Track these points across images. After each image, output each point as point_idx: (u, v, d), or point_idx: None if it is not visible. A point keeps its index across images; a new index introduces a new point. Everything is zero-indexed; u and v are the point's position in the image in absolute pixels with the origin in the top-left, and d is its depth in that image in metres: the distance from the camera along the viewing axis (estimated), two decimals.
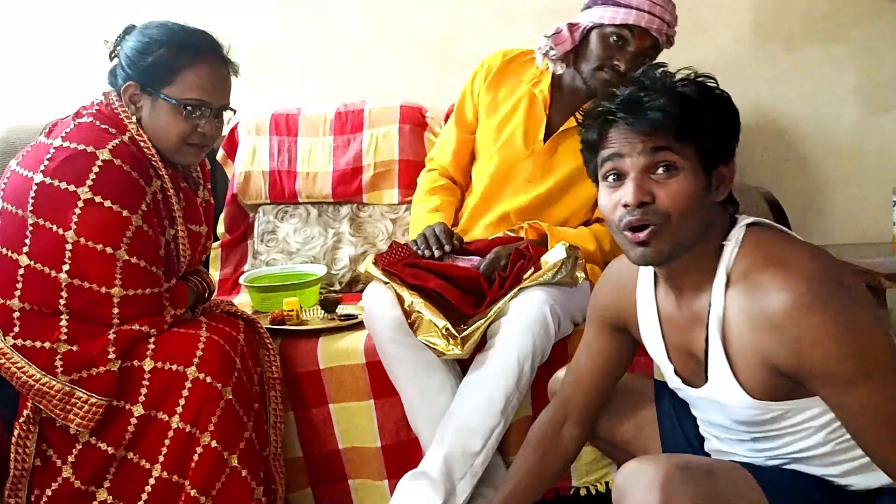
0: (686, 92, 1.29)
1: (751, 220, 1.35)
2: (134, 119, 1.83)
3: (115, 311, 1.75)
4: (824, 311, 1.21)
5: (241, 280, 2.51)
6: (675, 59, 2.83)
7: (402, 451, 2.07)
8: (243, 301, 2.42)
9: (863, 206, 2.95)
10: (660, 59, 2.67)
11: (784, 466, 1.40)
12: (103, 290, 1.74)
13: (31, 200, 1.73)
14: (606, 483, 2.08)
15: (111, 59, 1.89)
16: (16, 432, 1.73)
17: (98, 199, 1.72)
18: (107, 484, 1.75)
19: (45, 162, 1.74)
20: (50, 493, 1.74)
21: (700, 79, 1.34)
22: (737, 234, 1.32)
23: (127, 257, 1.74)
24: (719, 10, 2.89)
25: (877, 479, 1.33)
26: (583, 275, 2.03)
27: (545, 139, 2.26)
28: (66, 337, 1.73)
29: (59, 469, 1.75)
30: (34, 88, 2.99)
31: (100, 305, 1.74)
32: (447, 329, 1.91)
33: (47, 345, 1.73)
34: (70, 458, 1.74)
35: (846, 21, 2.88)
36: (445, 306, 1.99)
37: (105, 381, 1.73)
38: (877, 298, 2.47)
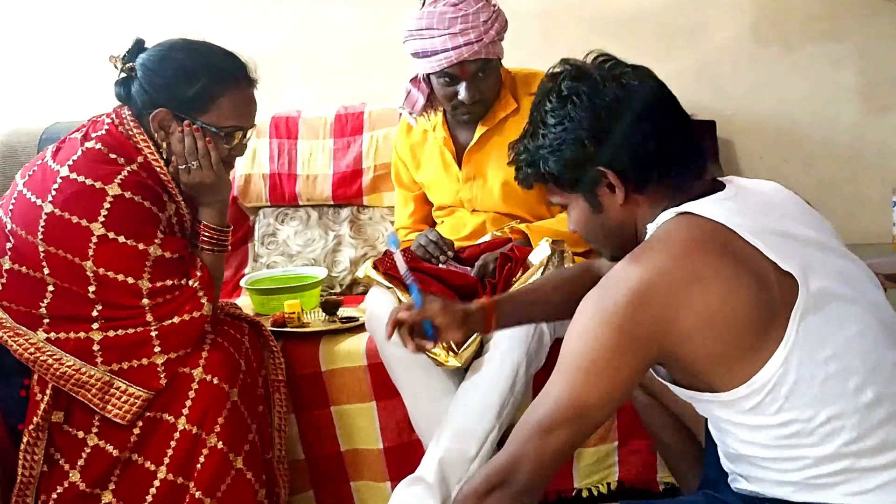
0: (532, 160, 1.40)
1: (684, 209, 1.31)
2: (151, 143, 1.81)
3: (149, 318, 1.76)
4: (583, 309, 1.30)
5: (241, 283, 2.51)
6: (674, 61, 2.90)
7: (404, 453, 2.08)
8: (244, 304, 2.42)
9: (862, 205, 2.95)
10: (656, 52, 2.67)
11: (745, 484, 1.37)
12: (133, 304, 1.76)
13: (41, 229, 1.73)
14: (608, 484, 2.08)
15: (121, 73, 1.83)
16: (25, 439, 1.73)
17: (112, 234, 1.72)
18: (112, 486, 1.75)
19: (53, 192, 1.73)
20: (55, 497, 1.75)
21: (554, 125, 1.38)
22: (660, 220, 1.34)
23: (150, 284, 1.76)
24: (719, 9, 2.89)
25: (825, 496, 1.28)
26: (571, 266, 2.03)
27: (459, 164, 2.29)
28: (97, 326, 1.75)
29: (67, 473, 1.75)
30: (34, 93, 3.00)
31: (131, 305, 1.76)
32: (447, 343, 1.92)
33: (82, 335, 1.74)
34: (80, 463, 1.75)
35: (845, 20, 2.89)
36: None
37: (147, 373, 1.74)
38: None
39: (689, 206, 1.30)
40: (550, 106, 1.36)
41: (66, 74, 2.96)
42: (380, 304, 2.04)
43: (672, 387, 1.36)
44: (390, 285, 2.04)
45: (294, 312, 2.21)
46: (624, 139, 1.33)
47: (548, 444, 1.28)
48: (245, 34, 2.78)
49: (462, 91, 2.15)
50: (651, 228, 1.34)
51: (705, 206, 1.30)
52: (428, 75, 2.19)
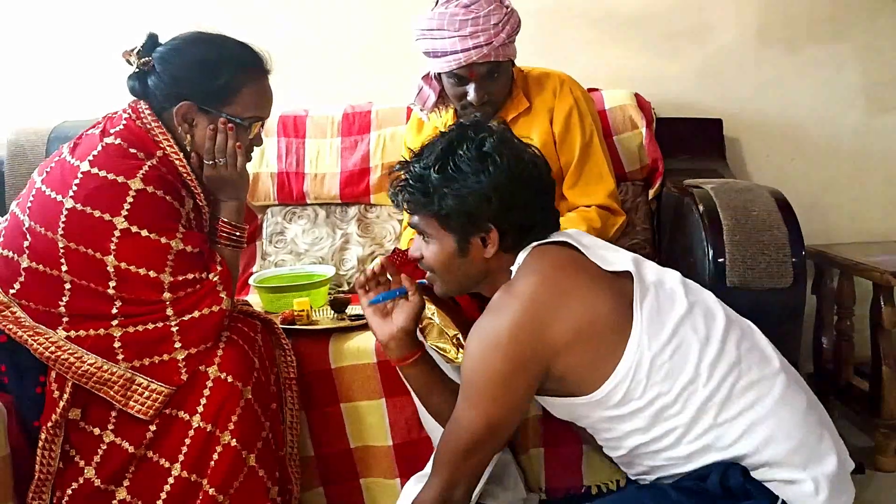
0: (429, 190, 1.51)
1: (536, 243, 1.54)
2: (170, 137, 1.81)
3: (169, 312, 1.76)
4: (477, 336, 1.49)
5: (250, 281, 2.52)
6: (679, 61, 2.90)
7: (413, 450, 2.08)
8: (252, 302, 2.42)
9: (868, 204, 2.97)
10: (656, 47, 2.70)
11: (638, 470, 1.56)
12: (154, 299, 1.77)
13: (61, 225, 1.73)
14: (617, 481, 2.09)
15: (138, 67, 1.83)
16: (43, 436, 1.74)
17: (135, 228, 1.72)
18: (126, 483, 1.75)
19: (74, 187, 1.73)
20: (70, 493, 1.75)
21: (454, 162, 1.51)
22: (520, 259, 1.54)
23: (172, 278, 1.76)
24: (724, 10, 2.90)
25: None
26: None
27: None
28: (117, 322, 1.75)
29: (82, 469, 1.75)
30: (42, 92, 3.00)
31: (152, 300, 1.76)
32: (458, 339, 1.92)
33: (102, 332, 1.75)
34: (95, 459, 1.75)
35: (850, 21, 2.90)
36: (454, 310, 2.01)
37: (168, 369, 1.75)
38: (883, 296, 2.48)
39: (540, 242, 1.54)
40: (468, 155, 1.49)
41: (73, 73, 2.96)
42: None
43: (550, 399, 1.54)
44: None
45: (303, 310, 2.21)
46: (522, 209, 1.51)
47: (474, 462, 1.52)
48: (251, 33, 2.77)
49: (471, 92, 2.16)
50: (515, 268, 1.53)
51: (552, 237, 1.55)
52: (439, 74, 2.21)
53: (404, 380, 1.73)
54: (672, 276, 1.55)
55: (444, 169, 1.49)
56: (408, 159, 1.57)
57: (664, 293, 1.50)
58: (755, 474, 1.43)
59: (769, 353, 1.50)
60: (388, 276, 1.70)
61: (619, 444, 1.51)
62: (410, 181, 1.53)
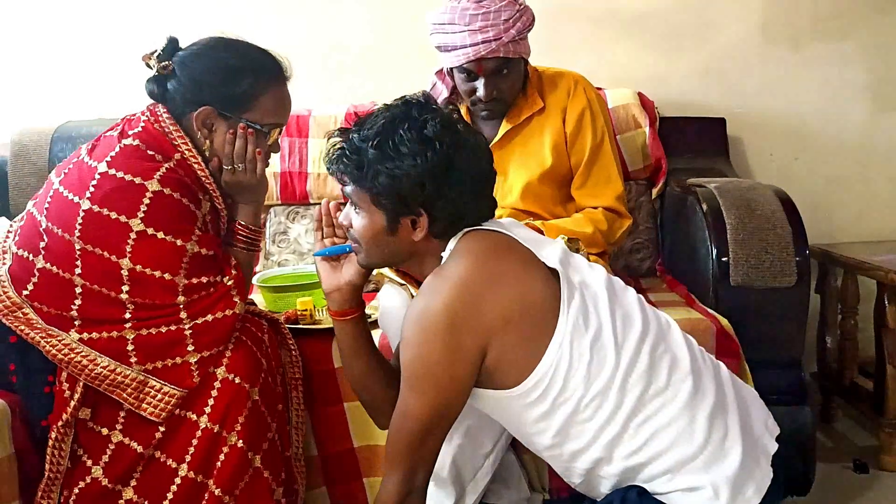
0: (363, 163, 1.48)
1: (469, 229, 1.52)
2: (188, 140, 1.81)
3: (183, 315, 1.76)
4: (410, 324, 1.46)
5: (253, 280, 2.51)
6: (683, 59, 2.91)
7: None
8: (256, 301, 2.42)
9: (872, 203, 2.97)
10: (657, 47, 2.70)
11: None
12: (168, 302, 1.76)
13: (78, 227, 1.72)
14: None
15: (158, 71, 1.82)
16: (52, 435, 1.73)
17: (151, 230, 1.71)
18: (133, 483, 1.75)
19: (91, 188, 1.73)
20: (77, 492, 1.75)
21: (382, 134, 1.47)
22: (451, 244, 1.52)
23: (186, 281, 1.75)
24: (727, 8, 2.91)
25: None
26: None
27: None
28: (130, 325, 1.75)
29: (89, 469, 1.75)
30: (46, 92, 3.01)
31: (166, 304, 1.76)
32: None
33: (115, 334, 1.74)
34: (104, 459, 1.75)
35: (854, 19, 2.90)
36: None
37: (181, 372, 1.75)
38: (887, 295, 2.48)
39: (471, 228, 1.51)
40: (408, 136, 1.45)
41: (77, 73, 2.97)
42: (392, 301, 2.05)
43: (478, 391, 1.50)
44: (403, 282, 2.05)
45: (306, 310, 2.21)
46: (456, 199, 1.47)
47: (429, 446, 1.50)
48: (251, 33, 2.78)
49: (480, 88, 2.17)
50: (446, 254, 1.50)
51: (485, 224, 1.53)
52: (451, 69, 2.21)
53: (336, 335, 1.69)
54: (597, 277, 1.53)
55: (381, 146, 1.45)
56: (348, 127, 1.53)
57: (589, 296, 1.48)
58: (657, 484, 1.43)
59: (681, 355, 1.48)
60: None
61: (533, 443, 1.52)
62: (347, 151, 1.49)
